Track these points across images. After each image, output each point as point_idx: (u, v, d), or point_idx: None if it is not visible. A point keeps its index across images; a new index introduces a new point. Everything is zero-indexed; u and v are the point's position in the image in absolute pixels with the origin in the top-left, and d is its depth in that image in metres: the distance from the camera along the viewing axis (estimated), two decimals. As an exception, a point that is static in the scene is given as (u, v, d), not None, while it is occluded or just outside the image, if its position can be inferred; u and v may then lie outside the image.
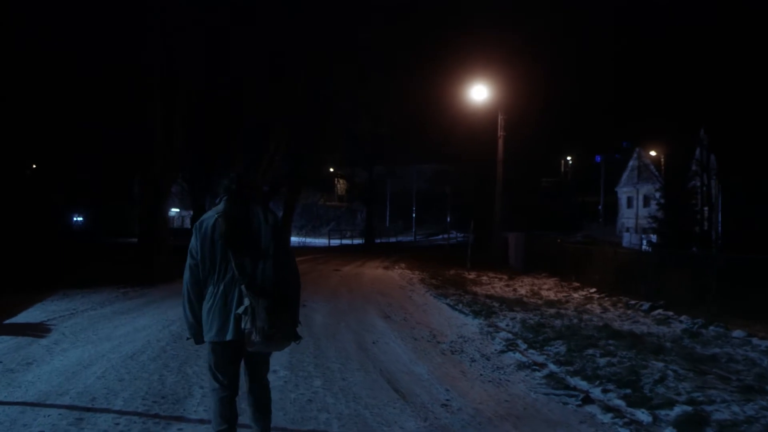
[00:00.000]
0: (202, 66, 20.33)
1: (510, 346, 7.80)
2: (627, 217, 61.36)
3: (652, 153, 45.59)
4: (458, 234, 69.09)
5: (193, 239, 3.54)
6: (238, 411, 3.62)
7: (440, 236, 68.97)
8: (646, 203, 58.56)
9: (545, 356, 7.22)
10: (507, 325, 9.32)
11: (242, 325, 3.27)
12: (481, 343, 8.05)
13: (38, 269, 15.37)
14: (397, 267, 21.78)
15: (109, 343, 7.11)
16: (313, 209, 70.85)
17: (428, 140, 37.36)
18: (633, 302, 12.20)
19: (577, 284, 16.08)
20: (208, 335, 3.45)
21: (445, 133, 30.56)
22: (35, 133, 26.67)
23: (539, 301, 12.66)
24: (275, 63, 21.22)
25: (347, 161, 43.54)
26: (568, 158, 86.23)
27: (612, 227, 61.74)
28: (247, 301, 3.28)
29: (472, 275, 18.84)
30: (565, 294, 14.28)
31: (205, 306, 3.46)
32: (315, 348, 7.22)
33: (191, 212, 33.87)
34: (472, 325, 9.55)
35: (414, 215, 61.88)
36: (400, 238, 59.74)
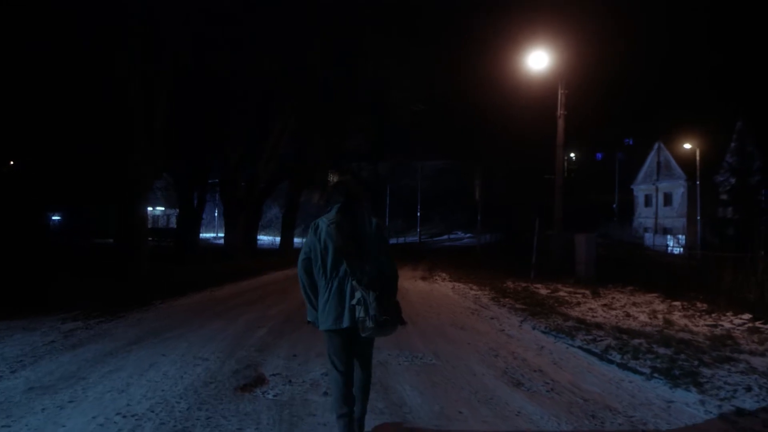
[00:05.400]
0: (190, 27, 15.93)
1: None
2: (645, 216, 57.44)
3: (687, 146, 41.34)
4: (464, 234, 65.02)
5: (309, 237, 4.02)
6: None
7: (445, 236, 64.90)
8: (667, 201, 54.71)
9: None
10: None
11: (356, 314, 3.70)
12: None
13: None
14: (437, 278, 17.44)
15: None
16: (307, 208, 66.46)
17: (448, 130, 33.04)
18: None
19: (701, 305, 11.85)
20: (325, 325, 3.84)
21: (479, 117, 26.24)
22: (8, 125, 22.46)
23: (699, 339, 8.37)
24: (283, 21, 16.75)
25: (352, 156, 39.03)
26: (572, 155, 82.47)
27: (627, 227, 57.66)
28: (359, 294, 3.72)
29: (542, 289, 14.60)
30: (709, 324, 10.00)
31: (321, 299, 3.89)
32: None
33: (177, 210, 29.39)
34: (691, 406, 5.22)
35: (419, 214, 57.54)
36: (407, 239, 55.38)
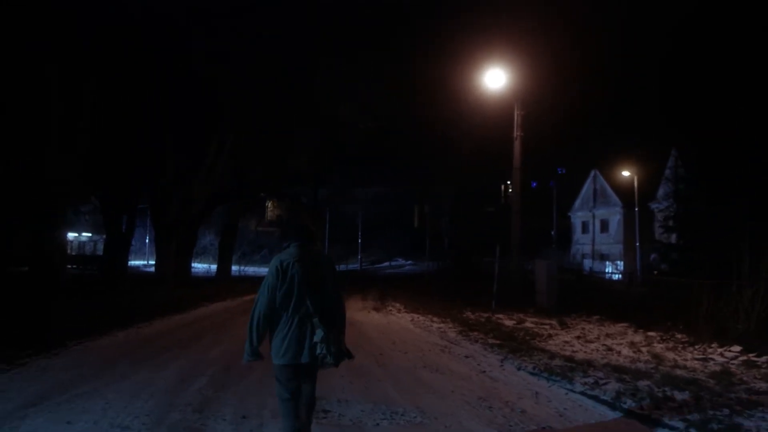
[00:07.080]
0: (117, 31, 14.38)
1: None
2: (582, 243, 58.22)
3: (625, 173, 41.97)
4: (405, 261, 64.17)
5: (270, 277, 3.98)
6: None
7: (386, 263, 63.81)
8: (604, 228, 55.60)
9: None
10: None
11: (317, 351, 3.81)
12: None
13: None
14: (392, 309, 16.18)
15: None
16: (245, 234, 64.16)
17: (390, 155, 32.16)
18: None
19: (680, 336, 11.09)
20: (283, 360, 3.88)
21: (423, 141, 25.42)
22: None
23: (701, 378, 7.47)
24: (222, 27, 15.39)
25: (293, 179, 37.41)
26: (509, 182, 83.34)
27: (566, 253, 58.32)
28: (321, 332, 3.81)
29: (505, 320, 13.60)
30: (698, 357, 9.17)
31: (279, 334, 3.91)
32: None
33: (104, 236, 27.03)
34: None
35: (360, 241, 56.32)
36: (348, 266, 54.00)
